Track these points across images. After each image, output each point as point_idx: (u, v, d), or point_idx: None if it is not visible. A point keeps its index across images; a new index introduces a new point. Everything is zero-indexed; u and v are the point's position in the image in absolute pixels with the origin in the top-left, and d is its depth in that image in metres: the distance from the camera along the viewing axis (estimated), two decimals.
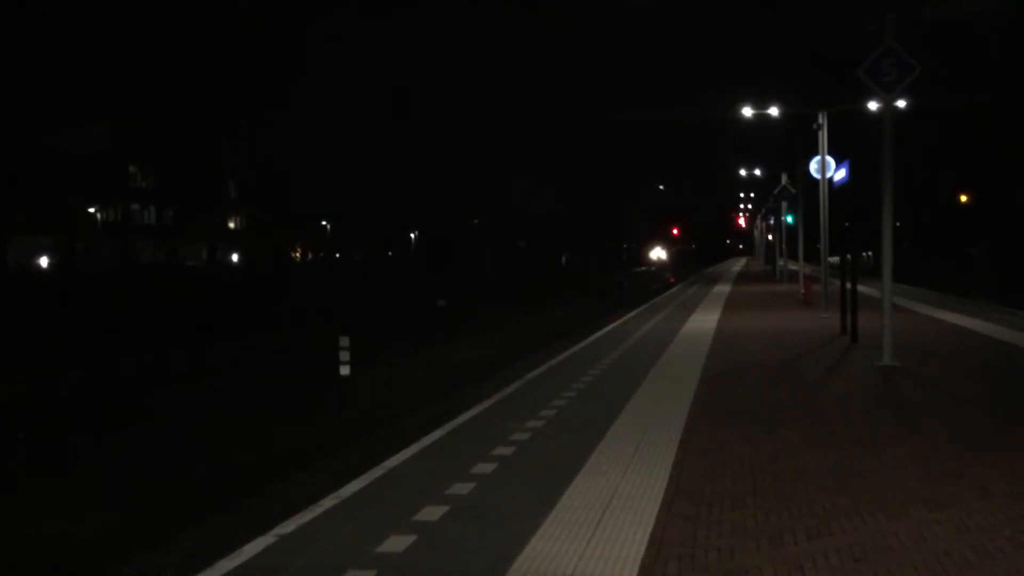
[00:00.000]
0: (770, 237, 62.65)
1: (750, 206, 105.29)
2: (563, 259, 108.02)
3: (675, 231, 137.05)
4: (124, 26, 47.42)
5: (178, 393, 18.70)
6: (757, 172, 56.42)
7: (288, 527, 6.06)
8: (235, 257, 76.18)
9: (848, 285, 16.41)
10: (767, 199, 55.78)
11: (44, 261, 57.23)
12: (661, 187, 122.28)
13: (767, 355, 14.74)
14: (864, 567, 5.04)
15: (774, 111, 28.93)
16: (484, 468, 7.42)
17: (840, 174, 21.15)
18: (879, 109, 13.52)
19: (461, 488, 6.83)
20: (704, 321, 21.70)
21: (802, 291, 27.81)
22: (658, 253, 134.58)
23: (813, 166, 24.81)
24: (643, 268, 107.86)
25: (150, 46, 49.22)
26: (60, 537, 9.66)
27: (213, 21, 51.52)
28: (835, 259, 25.67)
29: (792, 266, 45.44)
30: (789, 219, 43.09)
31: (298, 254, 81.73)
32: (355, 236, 79.56)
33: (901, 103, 19.22)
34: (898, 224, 42.69)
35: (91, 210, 61.27)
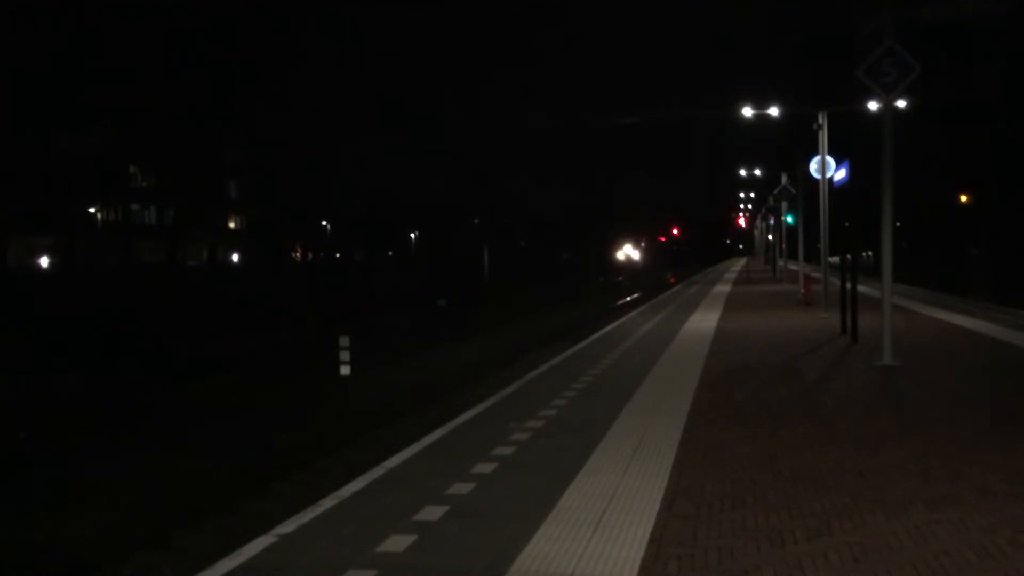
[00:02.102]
0: (770, 237, 62.63)
1: (750, 206, 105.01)
2: (564, 258, 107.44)
3: (675, 231, 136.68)
4: (124, 26, 47.46)
5: (178, 392, 18.71)
6: (757, 172, 56.43)
7: (288, 527, 6.06)
8: (235, 257, 76.19)
9: (848, 285, 16.40)
10: (767, 199, 55.79)
11: (44, 261, 57.22)
12: (640, 172, 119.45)
13: (767, 355, 14.73)
14: (864, 567, 5.04)
15: (774, 111, 28.93)
16: (484, 468, 7.42)
17: (840, 174, 21.12)
18: (879, 109, 13.51)
19: (461, 488, 6.83)
20: (704, 321, 21.69)
21: (802, 291, 27.81)
22: (627, 252, 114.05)
23: (813, 166, 24.78)
24: (600, 280, 72.87)
25: (151, 46, 49.27)
26: (60, 537, 9.66)
27: (213, 21, 51.59)
28: (835, 259, 25.66)
29: (792, 266, 45.42)
30: (789, 219, 43.07)
31: (298, 254, 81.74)
32: (355, 236, 79.60)
33: (901, 103, 19.20)
34: (898, 224, 42.73)
35: (91, 210, 61.28)
